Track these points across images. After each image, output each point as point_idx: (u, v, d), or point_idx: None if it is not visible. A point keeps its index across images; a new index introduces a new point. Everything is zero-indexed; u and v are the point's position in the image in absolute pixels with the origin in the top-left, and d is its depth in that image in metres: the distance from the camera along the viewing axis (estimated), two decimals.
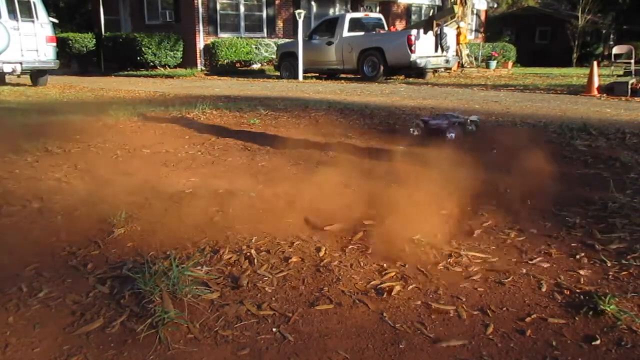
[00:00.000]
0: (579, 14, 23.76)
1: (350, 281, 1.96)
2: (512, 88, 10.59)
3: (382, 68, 13.15)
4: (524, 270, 2.04)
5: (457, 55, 15.65)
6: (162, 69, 16.38)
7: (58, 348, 1.56)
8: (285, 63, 14.46)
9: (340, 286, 1.92)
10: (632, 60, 12.00)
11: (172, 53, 16.55)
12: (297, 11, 13.63)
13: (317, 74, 14.99)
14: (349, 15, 14.48)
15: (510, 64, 20.49)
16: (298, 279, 1.97)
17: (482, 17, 24.87)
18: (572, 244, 2.28)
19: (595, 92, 8.91)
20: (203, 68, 16.71)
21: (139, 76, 15.28)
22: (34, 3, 10.51)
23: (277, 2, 18.38)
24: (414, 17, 22.06)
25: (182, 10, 16.96)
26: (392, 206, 2.70)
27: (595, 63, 9.28)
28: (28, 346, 1.57)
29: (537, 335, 1.61)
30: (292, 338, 1.61)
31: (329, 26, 14.43)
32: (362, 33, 14.20)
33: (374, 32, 14.41)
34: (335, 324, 1.68)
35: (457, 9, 15.78)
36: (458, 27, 15.85)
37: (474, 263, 2.10)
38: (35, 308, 1.76)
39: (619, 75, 11.18)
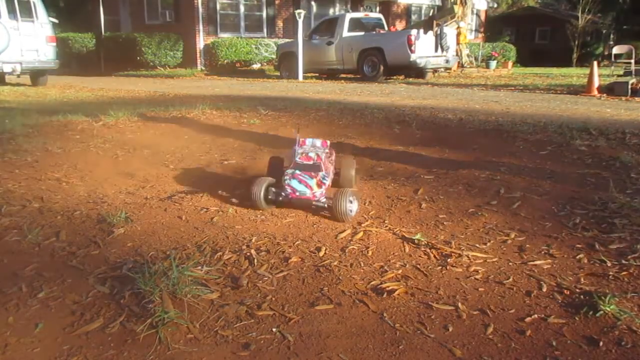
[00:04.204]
0: (579, 14, 23.77)
1: (350, 281, 1.96)
2: (512, 88, 10.59)
3: (382, 68, 13.15)
4: (524, 270, 2.04)
5: (457, 55, 15.65)
6: (162, 69, 16.38)
7: (58, 348, 1.56)
8: (285, 63, 14.46)
9: (340, 286, 1.92)
10: (632, 60, 12.00)
11: (172, 53, 16.55)
12: (297, 11, 13.63)
13: (317, 74, 14.98)
14: (349, 15, 14.47)
15: (510, 64, 20.49)
16: (298, 279, 1.97)
17: (482, 17, 24.87)
18: (572, 244, 2.28)
19: (595, 92, 8.91)
20: (203, 68, 16.71)
21: (139, 76, 15.27)
22: (34, 3, 10.51)
23: (277, 2, 18.37)
24: (414, 17, 22.07)
25: (182, 10, 16.95)
26: None
27: (595, 63, 9.28)
28: (28, 346, 1.57)
29: (537, 335, 1.61)
30: (292, 338, 1.61)
31: (329, 26, 14.44)
32: (362, 33, 14.20)
33: (374, 32, 14.41)
34: (335, 324, 1.68)
35: (457, 9, 15.79)
36: (458, 27, 15.86)
37: (474, 263, 2.10)
38: (35, 308, 1.76)
39: (619, 75, 11.18)
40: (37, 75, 11.12)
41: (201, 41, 16.80)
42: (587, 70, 10.66)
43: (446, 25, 14.61)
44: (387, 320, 1.70)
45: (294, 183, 2.71)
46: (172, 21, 17.12)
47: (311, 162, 2.78)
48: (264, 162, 3.93)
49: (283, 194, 2.70)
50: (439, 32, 13.69)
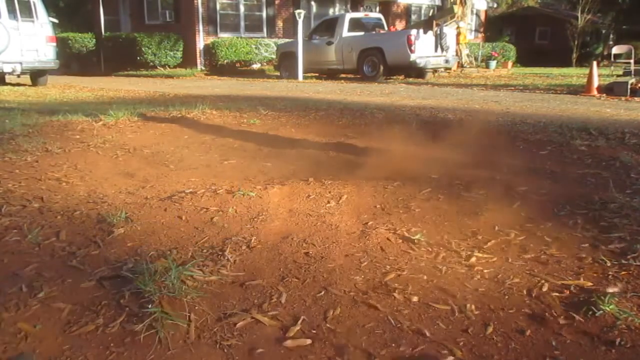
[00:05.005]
0: (579, 14, 23.76)
1: (350, 281, 1.95)
2: (512, 88, 10.59)
3: (382, 68, 13.16)
4: (524, 270, 2.04)
5: (457, 55, 15.66)
6: (162, 69, 16.37)
7: (58, 348, 1.56)
8: (285, 63, 14.46)
9: (341, 286, 1.92)
10: (632, 60, 12.01)
11: (172, 53, 16.55)
12: (297, 11, 13.63)
13: (317, 74, 14.99)
14: (349, 15, 14.48)
15: (510, 63, 20.49)
16: (299, 279, 1.97)
17: (482, 17, 24.86)
18: (572, 244, 2.28)
19: (595, 92, 8.91)
20: (203, 68, 16.70)
21: (139, 76, 15.27)
22: (34, 3, 10.50)
23: (277, 2, 18.37)
24: (414, 17, 22.06)
25: (182, 10, 16.95)
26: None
27: (594, 63, 9.29)
28: (28, 346, 1.57)
29: (537, 335, 1.61)
30: (292, 338, 1.61)
31: (329, 26, 14.44)
32: (362, 33, 14.21)
33: (374, 32, 14.41)
34: (336, 325, 1.68)
35: (457, 9, 15.79)
36: (458, 27, 15.86)
37: (475, 263, 2.10)
38: (35, 308, 1.76)
39: (618, 75, 11.19)
40: (37, 75, 11.12)
41: (201, 41, 16.79)
42: (586, 70, 10.66)
43: (446, 25, 14.61)
44: (387, 320, 1.70)
45: None
46: (172, 21, 17.11)
47: None
48: (264, 161, 3.92)
49: None
50: (438, 32, 13.69)
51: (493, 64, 19.61)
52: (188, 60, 16.77)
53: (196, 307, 1.75)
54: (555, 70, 18.02)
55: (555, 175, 3.36)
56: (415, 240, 2.30)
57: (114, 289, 1.87)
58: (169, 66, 16.60)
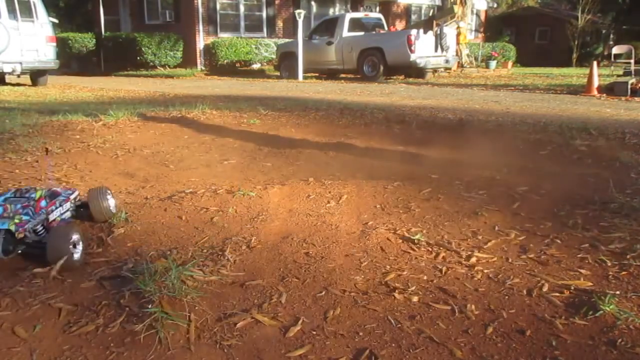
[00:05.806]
0: (579, 14, 23.76)
1: (350, 281, 1.96)
2: (512, 88, 10.59)
3: (382, 68, 13.16)
4: (524, 270, 2.04)
5: (457, 55, 15.66)
6: (162, 69, 16.37)
7: (58, 348, 1.56)
8: (285, 63, 14.47)
9: (341, 286, 1.92)
10: (632, 60, 12.02)
11: (172, 53, 16.55)
12: (297, 11, 13.63)
13: (317, 74, 14.99)
14: (349, 15, 14.49)
15: (510, 63, 20.50)
16: (299, 279, 1.97)
17: (482, 17, 24.87)
18: (572, 244, 2.28)
19: (595, 92, 8.92)
20: (203, 68, 16.71)
21: (139, 76, 15.27)
22: (34, 3, 10.50)
23: (277, 2, 18.37)
24: (414, 17, 22.07)
25: (182, 10, 16.95)
26: None
27: (595, 63, 9.30)
28: (28, 346, 1.57)
29: (537, 335, 1.61)
30: (292, 338, 1.61)
31: (329, 26, 14.45)
32: (362, 33, 14.22)
33: (374, 32, 14.42)
34: (336, 325, 1.68)
35: (457, 9, 15.80)
36: (458, 27, 15.87)
37: (475, 263, 2.10)
38: (35, 308, 1.76)
39: (618, 75, 11.19)
40: (37, 75, 11.12)
41: (201, 41, 16.79)
42: (586, 70, 10.67)
43: (446, 25, 14.62)
44: (387, 320, 1.70)
45: None
46: (172, 21, 17.12)
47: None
48: (264, 161, 3.92)
49: None
50: (439, 32, 13.70)
51: (493, 64, 19.62)
52: (188, 60, 16.77)
53: (196, 307, 1.75)
54: (555, 70, 18.03)
55: (555, 175, 3.36)
56: (415, 240, 2.30)
57: (114, 289, 1.87)
58: (169, 66, 16.61)
